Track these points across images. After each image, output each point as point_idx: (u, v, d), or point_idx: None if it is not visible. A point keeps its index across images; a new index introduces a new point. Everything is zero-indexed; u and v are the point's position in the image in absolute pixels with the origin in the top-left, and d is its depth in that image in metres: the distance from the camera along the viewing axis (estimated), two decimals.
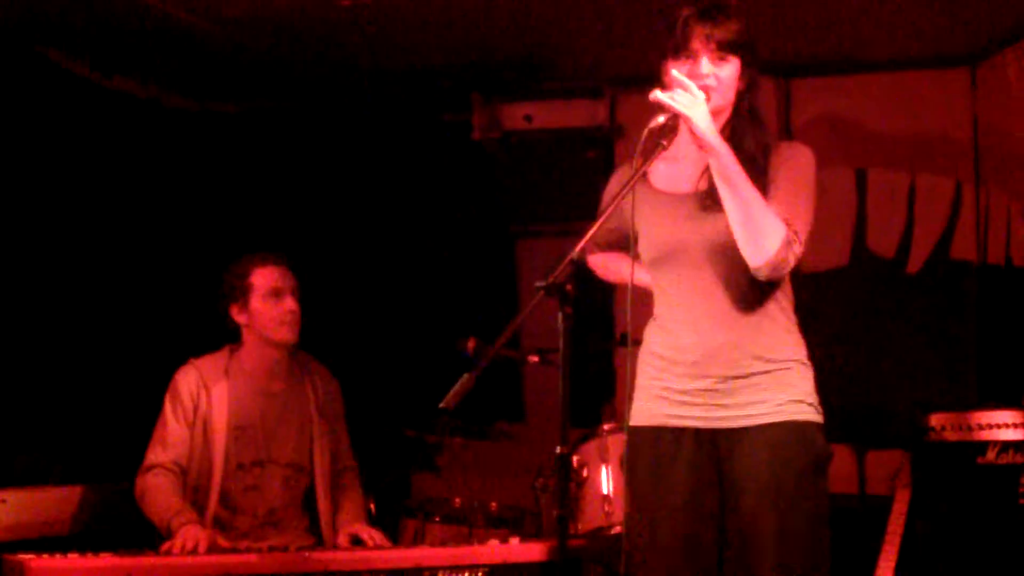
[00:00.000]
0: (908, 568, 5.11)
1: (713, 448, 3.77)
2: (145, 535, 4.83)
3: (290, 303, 5.07)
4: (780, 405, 3.73)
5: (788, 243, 3.60)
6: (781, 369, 3.76)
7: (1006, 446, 5.08)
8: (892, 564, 5.06)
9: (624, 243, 3.95)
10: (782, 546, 3.67)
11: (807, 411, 3.77)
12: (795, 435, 3.73)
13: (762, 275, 3.64)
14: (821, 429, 3.81)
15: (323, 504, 5.10)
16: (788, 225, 3.61)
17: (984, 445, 5.13)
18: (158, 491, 4.88)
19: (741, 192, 3.58)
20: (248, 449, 5.02)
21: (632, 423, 3.90)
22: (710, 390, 3.75)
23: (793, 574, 3.68)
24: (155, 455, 4.95)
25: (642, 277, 3.90)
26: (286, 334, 5.07)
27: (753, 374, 3.74)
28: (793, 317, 3.84)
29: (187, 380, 5.03)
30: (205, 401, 5.00)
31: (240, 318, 5.08)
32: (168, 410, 5.01)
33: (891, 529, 5.15)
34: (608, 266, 4.22)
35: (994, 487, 5.08)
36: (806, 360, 3.83)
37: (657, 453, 3.78)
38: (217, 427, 4.99)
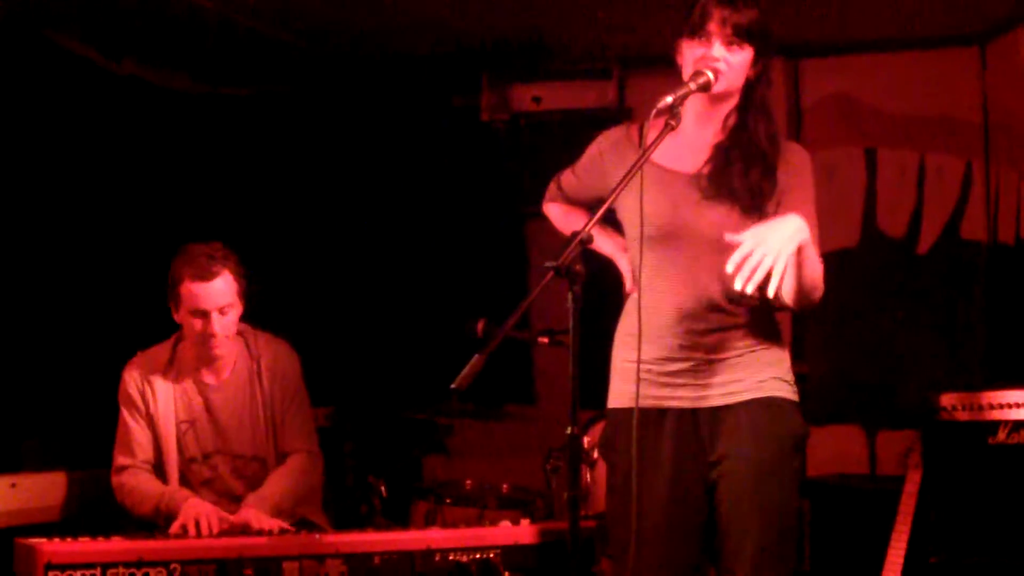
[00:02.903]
0: (920, 548, 5.10)
1: (695, 427, 3.80)
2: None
3: (212, 325, 4.81)
4: (761, 382, 3.78)
5: (823, 279, 3.69)
6: (761, 348, 3.80)
7: (1017, 426, 5.07)
8: (904, 544, 5.06)
9: (591, 204, 3.98)
10: (763, 519, 3.73)
11: (785, 389, 3.82)
12: (776, 411, 3.78)
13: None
14: (798, 407, 3.85)
15: None
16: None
17: (995, 425, 5.12)
18: (140, 483, 4.82)
19: (809, 269, 3.62)
20: (196, 443, 4.93)
21: (611, 405, 3.93)
22: (692, 371, 3.78)
23: (772, 546, 3.73)
24: (124, 458, 4.87)
25: (602, 246, 3.93)
26: (207, 353, 4.89)
27: (734, 355, 3.78)
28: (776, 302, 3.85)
29: (132, 377, 4.91)
30: (151, 397, 4.90)
31: (176, 318, 4.91)
32: (124, 411, 4.91)
33: (902, 509, 5.14)
34: (567, 220, 4.15)
35: (1005, 467, 5.08)
36: (782, 341, 3.88)
37: (640, 435, 3.72)
38: (164, 422, 4.89)
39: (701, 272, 3.74)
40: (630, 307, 3.89)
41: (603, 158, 3.96)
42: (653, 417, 3.80)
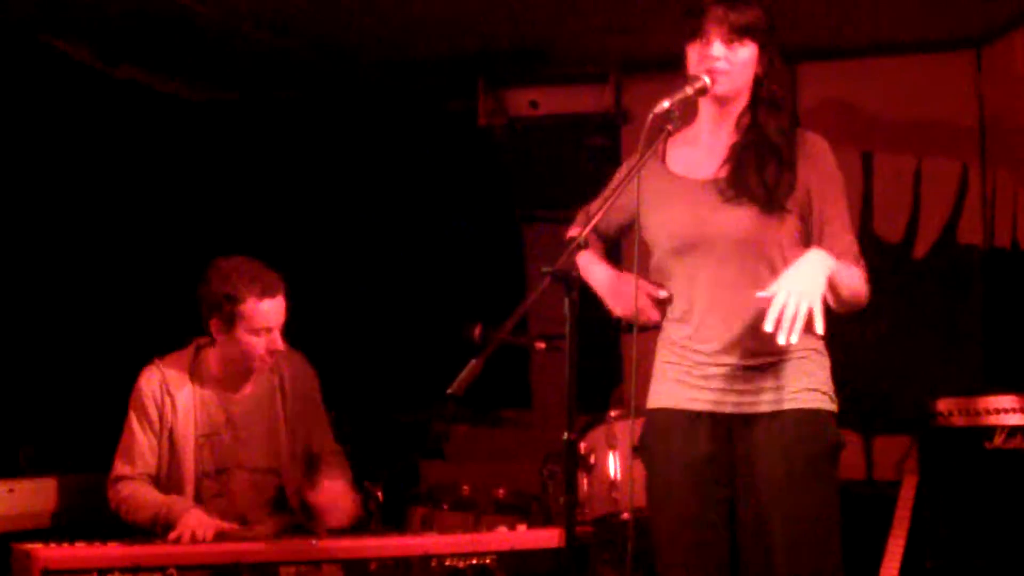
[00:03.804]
0: (916, 553, 5.11)
1: (728, 432, 3.78)
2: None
3: (275, 340, 4.79)
4: (796, 392, 3.74)
5: (866, 280, 3.71)
6: (798, 358, 3.76)
7: (1013, 431, 5.08)
8: (900, 549, 5.06)
9: (626, 232, 3.97)
10: (793, 532, 3.68)
11: (822, 399, 3.78)
12: (809, 422, 3.74)
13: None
14: (835, 418, 3.83)
15: (294, 503, 4.93)
16: (858, 262, 3.72)
17: (991, 430, 5.12)
18: (138, 493, 4.72)
19: (847, 291, 3.66)
20: (213, 457, 4.84)
21: (650, 405, 3.91)
22: (728, 376, 3.76)
23: (804, 560, 3.69)
24: (122, 467, 4.77)
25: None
26: (262, 366, 4.86)
27: (771, 363, 3.74)
28: None
29: (150, 386, 4.80)
30: (170, 409, 4.79)
31: (218, 335, 4.81)
32: (133, 419, 4.80)
33: (899, 515, 5.15)
34: (590, 269, 3.93)
35: (1001, 472, 5.08)
36: (822, 349, 3.83)
37: (674, 436, 3.79)
38: (183, 435, 4.79)
39: (730, 274, 3.72)
40: (669, 316, 3.87)
41: (623, 181, 3.92)
42: (688, 419, 3.79)
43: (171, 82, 6.62)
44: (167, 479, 4.79)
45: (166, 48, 6.21)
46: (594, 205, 4.00)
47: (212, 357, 4.89)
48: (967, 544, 5.10)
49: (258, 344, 4.77)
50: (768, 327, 3.45)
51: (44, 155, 5.70)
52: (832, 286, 3.59)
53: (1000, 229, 6.29)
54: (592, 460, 4.99)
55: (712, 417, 3.78)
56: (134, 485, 4.75)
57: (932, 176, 6.53)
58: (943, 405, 5.25)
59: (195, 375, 4.87)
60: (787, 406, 3.73)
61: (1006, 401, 5.11)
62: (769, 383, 3.74)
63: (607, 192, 3.59)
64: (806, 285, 3.49)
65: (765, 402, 3.74)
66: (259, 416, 4.94)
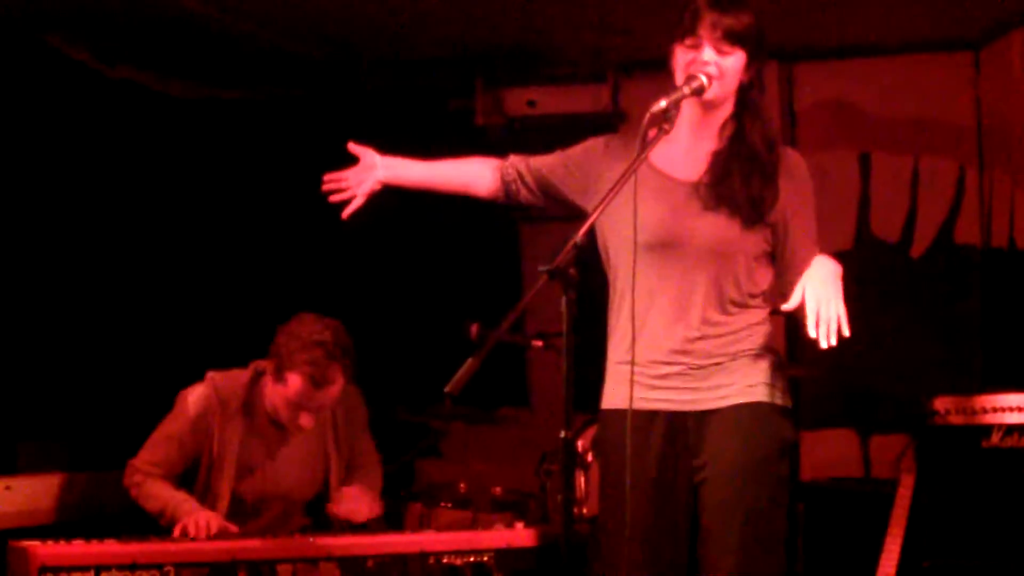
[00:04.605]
0: (913, 552, 5.10)
1: (683, 430, 3.81)
2: (150, 522, 4.83)
3: (307, 420, 4.72)
4: (750, 386, 3.78)
5: None
6: (751, 355, 3.80)
7: (1011, 429, 5.07)
8: (897, 548, 5.06)
9: (546, 191, 4.03)
10: (744, 523, 3.72)
11: (774, 394, 3.81)
12: (762, 415, 3.78)
13: None
14: (787, 413, 3.86)
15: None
16: None
17: (989, 429, 5.11)
18: (153, 484, 4.73)
19: None
20: (250, 489, 4.83)
21: (604, 406, 3.94)
22: (682, 375, 3.80)
23: (754, 551, 3.73)
24: (146, 461, 4.74)
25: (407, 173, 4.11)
26: (295, 429, 4.80)
27: (725, 360, 3.79)
28: (767, 308, 3.87)
29: (202, 404, 4.74)
30: (217, 434, 4.74)
31: (269, 377, 4.76)
32: (173, 426, 4.76)
33: (896, 513, 5.14)
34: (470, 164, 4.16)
35: (999, 471, 5.07)
36: (775, 348, 3.88)
37: (624, 437, 3.74)
38: (225, 463, 4.75)
39: (696, 280, 3.75)
40: (623, 310, 3.86)
41: (601, 152, 3.94)
42: (643, 419, 3.79)
43: (169, 81, 6.61)
44: (201, 495, 4.77)
45: (165, 47, 6.21)
46: (539, 157, 4.08)
47: (267, 391, 4.81)
48: (964, 543, 5.10)
49: (291, 413, 4.74)
50: (812, 333, 3.53)
51: (43, 154, 5.69)
52: None
53: (997, 229, 6.30)
54: (589, 458, 4.99)
55: (668, 416, 3.81)
56: (152, 477, 4.75)
57: (929, 176, 6.54)
58: (940, 404, 5.24)
59: (248, 407, 4.82)
60: (740, 400, 3.77)
61: (1005, 399, 5.11)
62: (722, 379, 3.78)
63: (606, 194, 3.56)
64: (833, 291, 3.59)
65: (719, 397, 3.78)
66: (306, 451, 4.93)
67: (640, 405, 3.79)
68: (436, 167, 4.17)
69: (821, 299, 3.55)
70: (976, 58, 6.44)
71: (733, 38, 3.69)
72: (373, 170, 4.18)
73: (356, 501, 4.83)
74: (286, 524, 4.91)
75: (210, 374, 4.84)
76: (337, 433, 4.98)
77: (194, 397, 4.77)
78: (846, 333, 3.55)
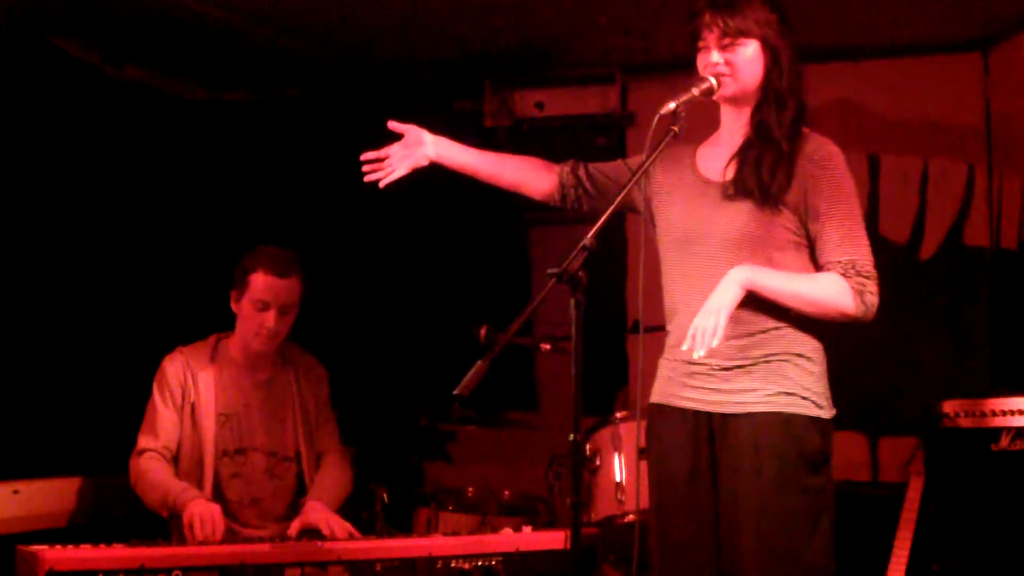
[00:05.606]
0: (922, 555, 5.10)
1: (709, 431, 3.80)
2: (158, 526, 4.84)
3: (270, 319, 4.98)
4: (770, 396, 3.73)
5: (859, 293, 3.68)
6: (778, 361, 3.74)
7: (1020, 432, 5.07)
8: (906, 551, 5.05)
9: (605, 194, 4.04)
10: (759, 536, 3.68)
11: (799, 404, 3.74)
12: (780, 426, 3.71)
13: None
14: (816, 424, 3.77)
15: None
16: (853, 268, 3.69)
17: (998, 432, 5.11)
18: (154, 473, 4.89)
19: (793, 299, 3.68)
20: (232, 436, 5.03)
21: (651, 400, 3.95)
22: (709, 375, 3.78)
23: (768, 566, 3.68)
24: (146, 440, 4.96)
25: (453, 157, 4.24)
26: (257, 345, 5.05)
27: (750, 364, 3.75)
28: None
29: (174, 366, 5.04)
30: (192, 387, 5.01)
31: (234, 307, 5.07)
32: (156, 396, 5.00)
33: (905, 516, 5.14)
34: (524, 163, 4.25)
35: (1008, 473, 5.07)
36: (810, 354, 3.79)
37: (666, 431, 3.86)
38: (205, 413, 4.99)
39: (721, 274, 3.69)
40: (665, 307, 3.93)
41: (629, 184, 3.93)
42: (677, 415, 3.84)
43: (176, 82, 6.62)
44: (188, 456, 4.97)
45: (172, 48, 6.22)
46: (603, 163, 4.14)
47: (232, 342, 5.12)
48: (974, 546, 5.10)
49: (255, 316, 4.97)
50: (683, 347, 3.58)
51: (50, 155, 5.69)
52: (770, 292, 3.65)
53: (1006, 230, 6.29)
54: (598, 462, 4.99)
55: (695, 415, 3.81)
56: (155, 461, 4.92)
57: (938, 177, 6.52)
58: (949, 407, 5.23)
59: (216, 359, 5.09)
60: (759, 408, 3.72)
61: (1014, 402, 5.10)
62: (746, 384, 3.74)
63: (614, 199, 3.58)
64: (715, 305, 3.58)
65: (740, 403, 3.74)
66: (275, 402, 5.13)
67: (675, 402, 3.85)
68: (490, 157, 4.23)
69: (703, 310, 3.57)
70: (985, 59, 6.42)
71: (735, 32, 3.69)
72: (421, 146, 4.25)
73: (322, 512, 4.89)
74: (272, 489, 5.07)
75: (178, 347, 5.14)
76: (300, 387, 5.17)
77: (167, 361, 5.08)
78: (712, 344, 3.54)
